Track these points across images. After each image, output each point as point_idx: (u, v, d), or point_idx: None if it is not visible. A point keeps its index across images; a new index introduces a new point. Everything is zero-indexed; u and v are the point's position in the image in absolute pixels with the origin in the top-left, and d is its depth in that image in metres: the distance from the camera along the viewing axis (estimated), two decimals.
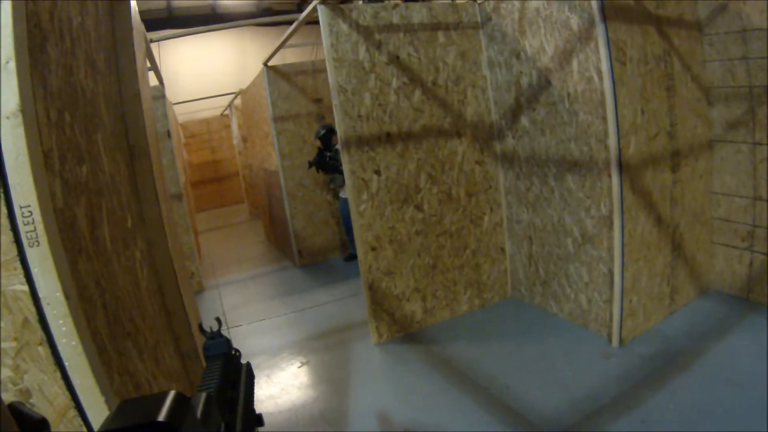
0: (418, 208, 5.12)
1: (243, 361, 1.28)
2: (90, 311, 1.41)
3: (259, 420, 1.14)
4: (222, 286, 8.04)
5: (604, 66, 3.94)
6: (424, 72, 5.00)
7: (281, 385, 4.63)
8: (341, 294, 6.77)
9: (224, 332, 1.18)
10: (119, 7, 2.42)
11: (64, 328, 1.25)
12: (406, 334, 5.21)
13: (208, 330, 1.25)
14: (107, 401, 1.30)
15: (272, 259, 9.29)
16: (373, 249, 4.96)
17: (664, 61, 4.42)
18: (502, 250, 5.63)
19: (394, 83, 4.88)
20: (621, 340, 4.30)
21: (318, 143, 7.76)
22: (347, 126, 4.73)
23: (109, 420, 0.65)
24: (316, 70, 7.99)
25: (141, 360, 1.80)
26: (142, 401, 0.70)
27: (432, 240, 5.23)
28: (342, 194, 7.68)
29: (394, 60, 4.87)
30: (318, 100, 8.00)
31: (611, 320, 4.33)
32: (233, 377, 1.16)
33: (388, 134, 4.89)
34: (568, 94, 4.40)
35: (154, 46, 13.68)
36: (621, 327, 4.28)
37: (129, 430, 0.63)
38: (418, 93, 4.99)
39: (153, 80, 6.59)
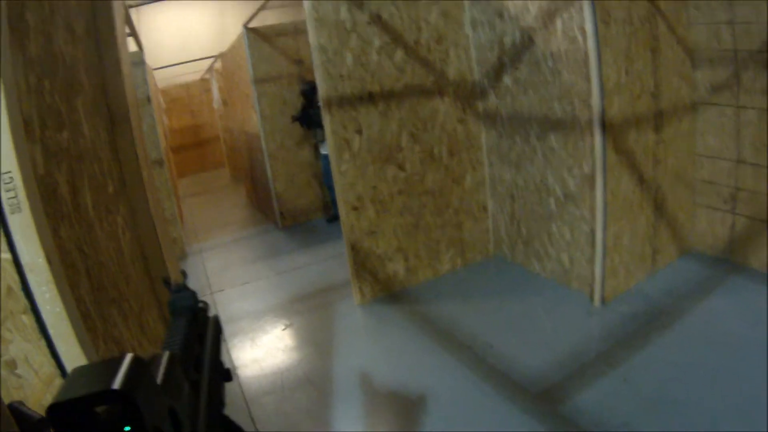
0: (400, 167, 5.10)
1: (211, 315, 1.24)
2: (74, 278, 1.39)
3: (226, 375, 1.11)
4: (205, 251, 8.01)
5: (589, 26, 3.91)
6: (406, 31, 4.94)
7: (266, 348, 4.65)
8: (324, 255, 6.77)
9: (207, 297, 1.15)
10: None
11: (47, 295, 1.23)
12: (389, 293, 5.23)
13: (172, 283, 1.21)
14: None
15: (255, 222, 9.26)
16: (355, 209, 4.94)
17: (649, 23, 4.39)
18: (485, 208, 5.64)
19: (376, 43, 4.82)
20: (603, 299, 4.35)
21: (302, 99, 7.73)
22: (329, 86, 4.68)
23: (62, 390, 0.61)
24: (297, 30, 7.88)
25: (126, 327, 1.79)
26: (96, 368, 0.67)
27: (414, 199, 5.23)
28: (323, 150, 7.63)
29: (376, 19, 4.80)
30: (299, 61, 7.90)
31: (593, 279, 4.36)
32: (200, 332, 1.12)
33: (370, 94, 4.84)
34: (552, 54, 4.37)
35: (132, 12, 13.48)
36: (603, 286, 4.31)
37: (80, 401, 0.60)
38: (400, 53, 4.94)
39: (132, 46, 6.51)
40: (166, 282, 1.23)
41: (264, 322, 5.17)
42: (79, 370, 0.66)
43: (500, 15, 4.82)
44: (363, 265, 5.06)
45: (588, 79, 4.04)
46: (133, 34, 5.58)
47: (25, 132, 1.26)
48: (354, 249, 5.00)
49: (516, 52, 4.76)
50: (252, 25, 7.55)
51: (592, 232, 4.29)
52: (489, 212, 5.67)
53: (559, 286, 4.81)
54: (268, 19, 10.57)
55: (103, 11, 2.36)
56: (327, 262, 6.49)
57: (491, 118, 5.29)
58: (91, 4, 2.28)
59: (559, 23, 4.25)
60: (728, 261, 4.82)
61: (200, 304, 1.19)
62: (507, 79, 4.94)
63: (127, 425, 0.61)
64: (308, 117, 7.56)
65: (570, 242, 4.62)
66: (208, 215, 10.58)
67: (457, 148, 5.37)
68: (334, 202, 7.71)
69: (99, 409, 0.61)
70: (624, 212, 4.37)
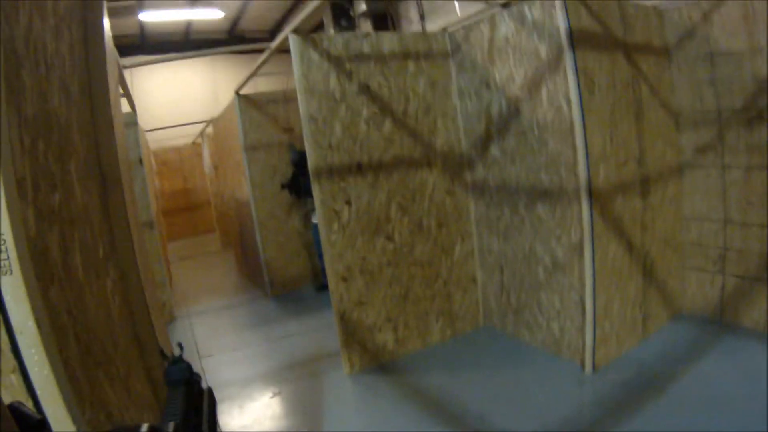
0: (389, 238, 5.09)
1: (204, 385, 1.28)
2: (62, 340, 1.38)
3: None
4: (194, 316, 7.92)
5: (573, 94, 3.98)
6: (395, 101, 5.01)
7: (253, 416, 4.55)
8: (314, 324, 6.69)
9: (195, 362, 1.16)
10: (92, 31, 2.39)
11: (36, 357, 1.22)
12: (379, 364, 5.15)
13: (168, 355, 1.29)
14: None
15: (244, 289, 9.19)
16: (344, 279, 4.91)
17: (632, 87, 4.48)
18: (474, 279, 5.61)
19: (365, 113, 4.88)
20: (594, 367, 4.29)
21: (292, 168, 7.76)
22: (318, 156, 4.71)
23: None
24: (288, 99, 7.98)
25: (112, 390, 1.75)
26: None
27: (403, 270, 5.20)
28: (314, 219, 7.56)
29: (365, 89, 4.87)
30: (289, 130, 7.97)
31: (584, 347, 4.32)
32: (196, 402, 1.16)
33: (359, 164, 4.87)
34: (538, 123, 4.42)
35: (126, 73, 13.60)
36: (594, 354, 4.27)
37: None
38: (388, 123, 4.99)
39: (125, 107, 6.56)
40: (163, 353, 1.35)
41: (252, 389, 5.07)
42: None
43: (487, 84, 4.90)
44: (352, 336, 5.00)
45: (574, 148, 4.08)
46: (126, 94, 5.62)
47: (18, 193, 1.26)
48: (343, 319, 4.95)
49: (503, 122, 4.81)
50: (244, 91, 7.63)
51: (582, 300, 4.27)
52: (478, 283, 5.63)
53: (549, 356, 4.75)
54: (261, 86, 10.71)
55: (97, 71, 2.38)
56: (317, 332, 6.40)
57: (479, 188, 5.31)
58: (86, 64, 2.29)
59: (544, 92, 4.32)
60: (720, 322, 4.80)
61: (195, 377, 1.22)
62: (494, 150, 4.98)
63: None
64: (298, 185, 7.59)
65: (560, 311, 4.59)
66: (198, 280, 10.53)
67: (446, 219, 5.38)
68: (323, 271, 7.72)
69: None
70: (613, 279, 4.36)
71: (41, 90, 1.55)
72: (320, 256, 7.47)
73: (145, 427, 0.71)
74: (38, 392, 1.24)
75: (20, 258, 1.19)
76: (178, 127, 14.53)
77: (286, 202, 8.10)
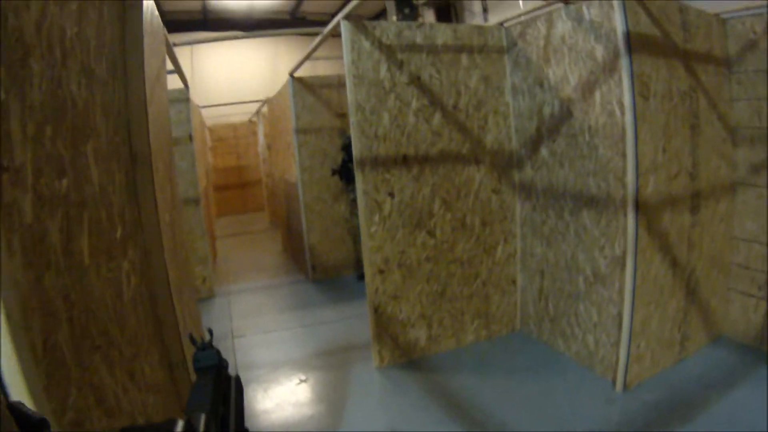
0: (430, 233, 5.02)
1: (232, 373, 1.25)
2: (52, 325, 1.36)
3: None
4: (233, 294, 7.99)
5: (627, 100, 3.83)
6: (445, 95, 4.91)
7: (277, 401, 4.56)
8: (350, 313, 6.66)
9: (227, 342, 1.13)
10: (131, 12, 2.36)
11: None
12: (409, 360, 5.09)
13: (198, 340, 1.22)
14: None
15: (286, 271, 9.24)
16: (381, 272, 4.86)
17: (690, 98, 4.29)
18: (514, 282, 5.50)
19: (414, 104, 4.79)
20: (626, 385, 4.16)
21: (342, 153, 7.75)
22: (363, 145, 4.65)
23: None
24: (342, 84, 7.89)
25: (111, 373, 1.73)
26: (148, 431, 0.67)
27: (442, 267, 5.12)
28: None
29: (415, 81, 4.78)
30: (342, 115, 7.92)
31: (617, 364, 4.18)
32: (223, 391, 1.13)
33: (405, 156, 4.80)
34: (589, 127, 4.28)
35: (186, 49, 13.68)
36: (626, 372, 4.13)
37: None
38: (438, 116, 4.90)
39: (177, 83, 6.58)
40: (192, 339, 1.26)
41: (280, 374, 5.09)
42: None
43: (540, 83, 4.77)
44: (385, 329, 4.95)
45: (623, 156, 3.93)
46: (178, 70, 5.61)
47: (15, 181, 1.25)
48: (377, 312, 4.90)
49: (554, 123, 4.68)
50: (298, 74, 7.60)
51: (620, 315, 4.13)
52: (518, 286, 5.52)
53: (582, 368, 4.63)
54: (318, 69, 10.71)
55: (133, 49, 2.36)
56: (352, 320, 6.37)
57: (526, 189, 5.19)
58: (120, 43, 2.27)
59: (597, 95, 4.17)
60: (760, 350, 4.59)
61: (223, 362, 1.20)
62: (544, 151, 4.85)
63: None
64: (348, 171, 7.53)
65: (596, 324, 4.45)
66: (242, 258, 10.63)
67: (491, 218, 5.27)
68: None
69: None
70: (654, 296, 4.21)
71: (53, 76, 1.52)
72: None
73: (180, 423, 0.69)
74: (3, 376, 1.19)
75: None
76: (235, 105, 14.57)
77: (334, 188, 8.08)
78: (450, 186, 5.03)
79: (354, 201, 7.87)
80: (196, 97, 10.53)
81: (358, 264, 8.32)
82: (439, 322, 5.18)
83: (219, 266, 9.83)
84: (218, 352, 1.19)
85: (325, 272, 8.31)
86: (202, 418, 0.81)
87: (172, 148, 3.95)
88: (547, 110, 4.75)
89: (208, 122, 14.86)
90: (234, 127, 16.58)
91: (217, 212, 15.83)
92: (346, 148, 7.52)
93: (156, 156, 2.57)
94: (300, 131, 7.79)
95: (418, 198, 4.91)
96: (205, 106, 12.58)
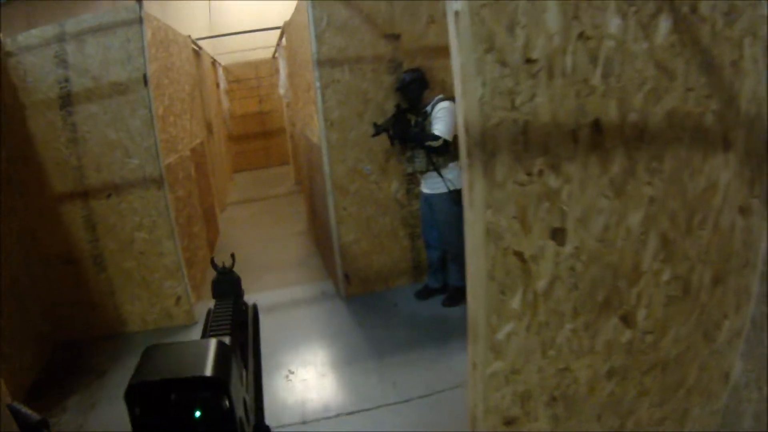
0: (626, 319, 2.05)
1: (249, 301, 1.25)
2: None
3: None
4: None
5: None
6: None
7: None
8: (417, 378, 3.82)
9: None
10: None
11: None
12: None
13: (219, 265, 1.27)
14: None
15: (308, 274, 6.26)
16: (510, 423, 1.87)
17: None
18: (726, 376, 2.51)
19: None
20: None
21: (396, 98, 4.85)
22: (493, 90, 1.67)
23: (148, 369, 0.64)
24: None
25: None
26: (182, 349, 0.69)
27: (631, 384, 2.22)
28: (425, 187, 4.74)
29: None
30: (394, 37, 4.88)
31: None
32: (241, 318, 1.14)
33: (596, 124, 1.75)
34: None
35: None
36: None
37: (176, 384, 0.61)
38: (665, 26, 1.85)
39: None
40: (213, 263, 1.32)
41: None
42: (156, 350, 0.69)
43: None
44: None
45: None
46: None
47: None
48: None
49: None
50: None
51: None
52: (730, 382, 2.52)
53: None
54: None
55: None
56: (421, 404, 3.53)
57: None
58: None
59: None
60: None
61: (241, 291, 1.24)
62: None
63: (206, 411, 0.62)
64: (404, 128, 4.61)
65: None
66: (251, 242, 7.68)
67: (727, 268, 2.26)
68: (433, 267, 5.08)
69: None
70: None
71: None
72: (430, 244, 4.83)
73: (213, 343, 0.66)
74: None
75: None
76: (257, 37, 11.42)
77: (381, 153, 5.10)
78: (679, 203, 2.03)
79: (412, 175, 4.94)
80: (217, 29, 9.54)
81: (417, 272, 5.38)
82: None
83: (216, 256, 6.92)
84: (239, 279, 1.22)
85: (364, 284, 5.39)
86: (228, 340, 0.78)
87: None
88: None
89: (224, 60, 12.48)
90: (255, 65, 13.71)
91: (234, 167, 13.37)
92: (404, 88, 4.65)
93: None
94: (323, 63, 4.79)
95: (615, 237, 1.91)
96: (205, 38, 9.91)
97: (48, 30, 4.40)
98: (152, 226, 4.74)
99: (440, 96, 4.51)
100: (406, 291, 5.29)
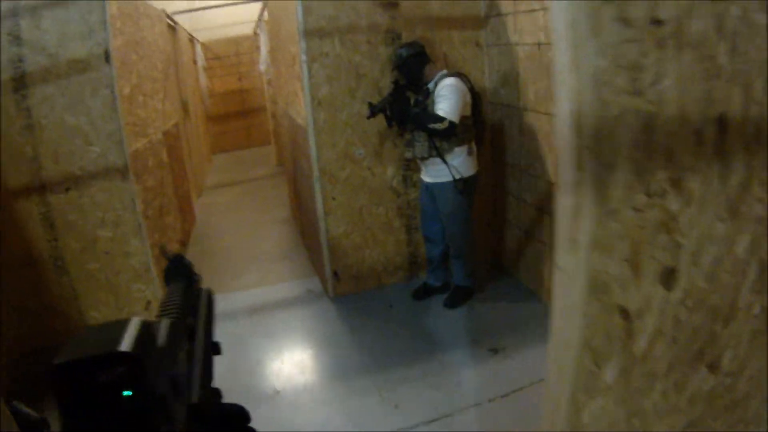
0: (712, 366, 1.52)
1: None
2: None
3: (216, 348, 1.02)
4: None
5: None
6: None
7: None
8: (426, 397, 3.35)
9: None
10: None
11: None
12: None
13: (169, 252, 1.20)
14: None
15: (293, 268, 5.71)
16: None
17: None
18: None
19: None
20: None
21: (393, 76, 4.32)
22: (614, 61, 1.12)
23: (67, 349, 0.61)
24: None
25: None
26: (102, 329, 0.67)
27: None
28: (425, 176, 4.25)
29: None
30: (392, 4, 4.32)
31: None
32: (193, 303, 1.08)
33: (721, 120, 1.20)
34: None
35: None
36: None
37: (86, 362, 0.59)
38: None
39: None
40: (163, 251, 1.24)
41: None
42: (86, 331, 0.67)
43: None
44: None
45: None
46: None
47: None
48: None
49: None
50: None
51: None
52: None
53: None
54: None
55: None
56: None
57: None
58: None
59: None
60: None
61: (195, 277, 1.16)
62: None
63: (127, 390, 0.60)
64: (403, 108, 4.08)
65: None
66: (229, 231, 7.10)
67: None
68: (431, 262, 4.64)
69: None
70: None
71: None
72: (429, 238, 4.54)
73: (135, 321, 0.64)
74: None
75: None
76: (236, 11, 10.81)
77: (376, 137, 4.57)
78: None
79: (410, 161, 4.44)
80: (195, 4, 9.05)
81: (413, 268, 4.87)
82: None
83: (191, 250, 6.34)
84: (190, 264, 1.16)
85: (355, 282, 4.88)
86: (167, 323, 0.75)
87: None
88: None
89: (203, 36, 12.04)
90: (235, 41, 13.29)
91: (213, 148, 12.90)
92: (403, 65, 4.11)
93: None
94: (311, 34, 4.24)
95: (721, 271, 1.36)
96: (189, 11, 9.25)
97: (2, 5, 3.83)
98: (117, 222, 4.20)
99: (444, 72, 4.00)
100: (402, 289, 4.79)
